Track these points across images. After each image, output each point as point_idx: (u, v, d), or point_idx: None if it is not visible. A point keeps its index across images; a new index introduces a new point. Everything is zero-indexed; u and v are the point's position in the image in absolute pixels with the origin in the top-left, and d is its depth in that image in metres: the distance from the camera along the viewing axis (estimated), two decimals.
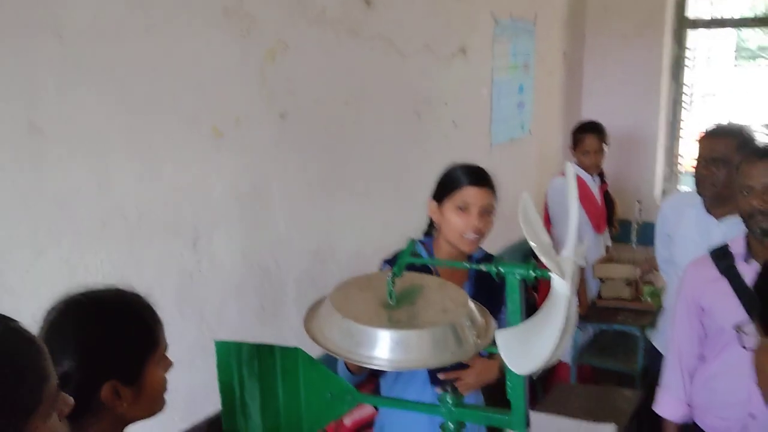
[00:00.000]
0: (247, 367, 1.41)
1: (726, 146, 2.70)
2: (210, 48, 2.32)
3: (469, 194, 2.13)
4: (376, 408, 2.38)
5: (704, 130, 2.87)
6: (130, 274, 2.12)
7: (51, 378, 1.01)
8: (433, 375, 2.14)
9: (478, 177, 2.16)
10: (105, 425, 1.30)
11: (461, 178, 2.15)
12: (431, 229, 2.28)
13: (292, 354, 1.40)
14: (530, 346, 1.16)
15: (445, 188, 2.18)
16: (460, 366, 2.12)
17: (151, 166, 2.18)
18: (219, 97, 2.37)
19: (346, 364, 1.94)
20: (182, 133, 2.25)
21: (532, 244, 1.17)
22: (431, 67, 3.45)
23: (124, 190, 2.10)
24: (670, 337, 2.46)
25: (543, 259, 1.16)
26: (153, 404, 1.37)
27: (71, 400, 1.06)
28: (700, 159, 2.78)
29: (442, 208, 2.17)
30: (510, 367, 1.20)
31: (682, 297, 2.37)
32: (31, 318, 1.79)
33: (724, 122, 2.89)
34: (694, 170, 2.82)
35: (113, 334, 1.29)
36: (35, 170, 1.88)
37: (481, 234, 2.14)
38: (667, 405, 2.40)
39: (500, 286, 2.19)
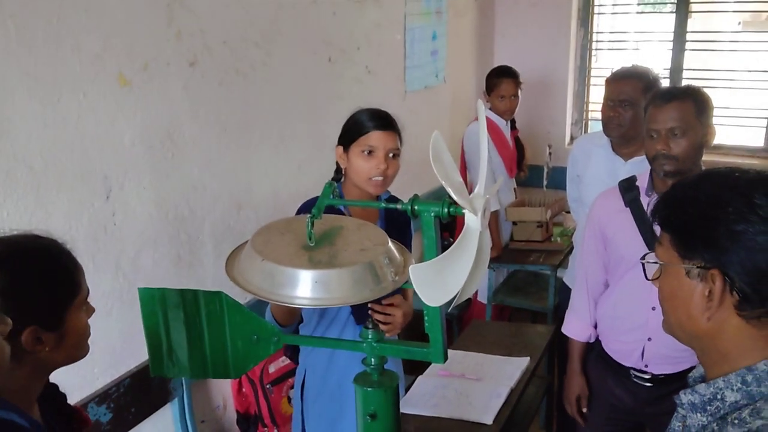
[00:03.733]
0: (172, 312, 1.40)
1: (632, 88, 2.80)
2: None
3: (375, 138, 2.19)
4: (294, 362, 2.42)
5: (611, 73, 2.95)
6: (38, 226, 2.05)
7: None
8: (357, 315, 2.19)
9: (383, 121, 2.22)
10: (27, 370, 1.28)
11: (366, 123, 2.21)
12: (339, 174, 2.33)
13: (216, 298, 1.40)
14: (443, 279, 1.20)
15: (350, 134, 2.23)
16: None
17: (56, 112, 2.09)
18: (126, 38, 2.28)
19: (274, 317, 1.97)
20: (87, 77, 2.17)
21: (443, 181, 1.19)
22: (341, 10, 3.40)
23: (28, 136, 2.02)
24: (578, 263, 2.59)
25: (454, 195, 1.19)
26: (76, 350, 1.35)
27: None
28: (607, 101, 2.87)
29: (348, 154, 2.23)
30: (423, 300, 1.23)
31: (589, 226, 2.49)
32: None
33: (630, 65, 2.98)
34: (601, 112, 2.91)
35: (32, 280, 1.25)
36: None
37: (387, 176, 2.21)
38: (574, 327, 2.58)
39: (407, 225, 2.27)
